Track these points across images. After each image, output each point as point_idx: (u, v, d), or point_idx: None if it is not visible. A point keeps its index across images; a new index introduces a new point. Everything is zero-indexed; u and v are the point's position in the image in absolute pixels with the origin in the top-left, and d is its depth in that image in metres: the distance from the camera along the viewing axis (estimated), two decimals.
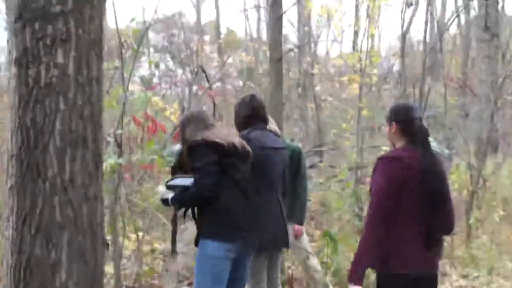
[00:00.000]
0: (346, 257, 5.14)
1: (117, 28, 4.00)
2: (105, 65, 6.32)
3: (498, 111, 9.74)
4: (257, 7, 21.81)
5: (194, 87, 13.98)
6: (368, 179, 4.57)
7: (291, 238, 4.14)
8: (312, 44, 17.59)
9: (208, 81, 9.95)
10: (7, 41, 2.51)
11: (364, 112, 9.43)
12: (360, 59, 9.09)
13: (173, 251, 3.65)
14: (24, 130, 2.46)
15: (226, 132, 3.47)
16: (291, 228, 4.27)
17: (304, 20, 17.39)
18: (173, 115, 9.61)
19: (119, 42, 4.10)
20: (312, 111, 15.69)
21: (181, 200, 3.33)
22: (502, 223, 7.17)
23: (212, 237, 3.26)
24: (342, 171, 8.61)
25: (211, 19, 27.21)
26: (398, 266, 2.74)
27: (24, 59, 2.45)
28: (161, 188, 3.44)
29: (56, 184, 2.46)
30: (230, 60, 19.75)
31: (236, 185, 3.32)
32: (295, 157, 4.34)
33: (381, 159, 2.82)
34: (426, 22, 13.76)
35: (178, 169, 3.46)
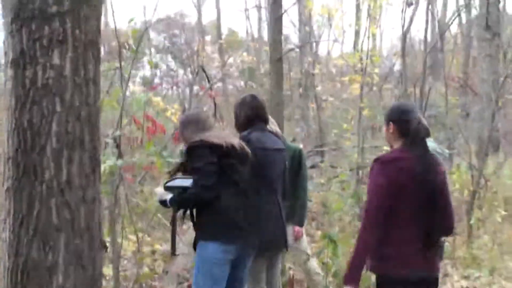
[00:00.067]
0: (346, 258, 5.12)
1: (115, 28, 3.99)
2: (106, 65, 6.31)
3: (499, 110, 9.72)
4: (258, 7, 21.82)
5: (195, 88, 13.99)
6: None
7: (290, 239, 4.12)
8: (314, 44, 17.58)
9: (208, 81, 9.94)
10: (3, 42, 2.49)
11: (365, 112, 9.40)
12: (361, 59, 9.07)
13: (173, 253, 3.63)
14: (21, 131, 2.44)
15: (225, 133, 3.46)
16: (291, 229, 4.25)
17: (305, 20, 17.37)
18: (174, 115, 9.60)
19: (118, 42, 4.08)
20: (313, 111, 15.67)
21: (180, 201, 3.32)
22: (504, 223, 7.15)
23: (211, 238, 3.24)
24: (343, 171, 8.59)
25: (213, 19, 27.19)
26: (398, 267, 2.72)
27: (20, 60, 2.44)
28: (159, 190, 3.42)
29: (53, 186, 2.45)
30: (231, 60, 19.72)
31: (236, 186, 3.31)
32: (296, 158, 4.33)
33: (376, 160, 2.80)
34: (426, 22, 13.74)
35: (182, 169, 3.45)
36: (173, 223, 3.48)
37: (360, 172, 8.09)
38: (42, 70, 2.42)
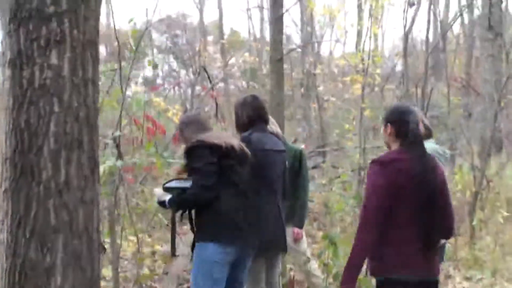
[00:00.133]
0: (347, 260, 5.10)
1: (114, 28, 3.97)
2: (108, 66, 6.31)
3: (501, 110, 9.68)
4: (260, 7, 21.80)
5: (197, 88, 13.98)
6: None
7: (290, 241, 4.10)
8: (316, 44, 17.56)
9: (210, 81, 9.92)
10: (1, 42, 2.48)
11: (367, 113, 9.38)
12: (362, 59, 9.04)
13: (173, 254, 3.61)
14: (18, 132, 2.43)
15: (224, 134, 3.46)
16: (291, 230, 4.23)
17: (307, 20, 17.35)
18: (175, 116, 9.60)
19: (117, 42, 4.06)
20: (315, 112, 15.64)
21: (179, 201, 3.30)
22: (506, 224, 7.11)
23: (211, 239, 3.23)
24: (345, 172, 8.57)
25: (215, 19, 27.16)
26: (397, 267, 2.71)
27: (18, 60, 2.42)
28: (158, 190, 3.40)
29: (50, 187, 2.43)
30: (233, 60, 19.71)
31: (235, 186, 3.30)
32: (296, 159, 4.31)
33: (374, 162, 2.79)
34: (428, 22, 13.70)
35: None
36: (173, 224, 3.47)
37: (362, 172, 8.06)
38: (39, 70, 2.40)
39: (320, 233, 7.12)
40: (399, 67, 16.78)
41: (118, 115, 4.45)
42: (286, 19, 22.20)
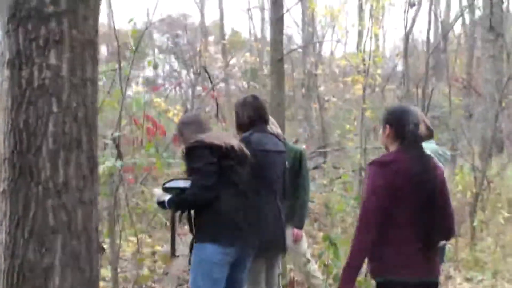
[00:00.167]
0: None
1: (114, 28, 3.96)
2: (109, 66, 6.31)
3: (503, 111, 9.66)
4: (261, 8, 21.80)
5: (198, 88, 13.98)
6: None
7: (289, 242, 4.09)
8: (317, 45, 17.54)
9: (211, 82, 9.92)
10: (0, 42, 2.47)
11: (368, 113, 9.37)
12: (363, 60, 9.03)
13: (173, 254, 3.60)
14: (17, 132, 2.42)
15: (224, 134, 3.44)
16: (290, 231, 4.22)
17: (308, 21, 17.34)
18: (176, 116, 9.59)
19: (117, 42, 4.06)
20: (316, 112, 15.63)
21: (179, 202, 3.29)
22: (507, 225, 7.10)
23: (211, 240, 3.22)
24: (346, 172, 8.56)
25: (216, 19, 27.14)
26: (397, 267, 2.70)
27: (17, 60, 2.41)
28: (158, 191, 3.39)
29: (49, 188, 2.42)
30: (234, 60, 19.70)
31: (235, 187, 3.29)
32: (296, 160, 4.30)
33: (372, 163, 2.79)
34: (429, 22, 13.68)
35: None
36: (172, 224, 3.46)
37: (363, 173, 8.05)
38: (38, 70, 2.39)
39: (321, 234, 7.11)
40: (400, 68, 16.76)
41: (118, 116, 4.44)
42: (288, 20, 22.23)
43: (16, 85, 2.41)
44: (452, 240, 5.78)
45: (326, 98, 15.20)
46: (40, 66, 2.39)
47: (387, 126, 2.85)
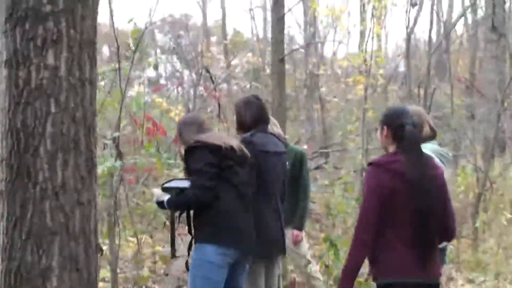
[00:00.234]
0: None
1: (113, 28, 3.95)
2: (111, 65, 6.29)
3: (505, 111, 9.62)
4: (263, 8, 21.79)
5: (200, 88, 13.96)
6: None
7: (289, 243, 4.07)
8: (319, 45, 17.52)
9: (213, 82, 9.91)
10: None
11: (370, 114, 9.34)
12: (365, 60, 9.00)
13: (174, 255, 3.57)
14: (15, 132, 2.41)
15: (224, 134, 3.43)
16: (290, 233, 4.20)
17: (310, 21, 17.32)
18: (178, 116, 9.57)
19: (117, 43, 4.04)
20: (318, 112, 15.61)
21: (178, 202, 3.28)
22: (510, 226, 7.06)
23: (210, 240, 3.20)
24: (347, 173, 8.53)
25: (218, 20, 27.12)
26: (396, 270, 2.68)
27: (14, 60, 2.40)
28: (157, 191, 3.38)
29: (47, 189, 2.41)
30: (236, 61, 19.68)
31: (234, 187, 3.27)
32: (297, 161, 4.28)
33: (370, 164, 2.78)
34: (431, 22, 13.65)
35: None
36: (172, 224, 3.44)
37: (364, 173, 8.02)
38: (36, 70, 2.38)
39: (322, 235, 7.09)
40: (402, 68, 16.73)
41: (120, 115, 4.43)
42: (290, 20, 22.22)
43: (14, 85, 2.40)
44: (454, 241, 5.74)
45: (328, 99, 15.18)
46: (38, 66, 2.38)
47: (385, 127, 2.83)
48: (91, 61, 2.55)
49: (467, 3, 16.62)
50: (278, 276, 3.89)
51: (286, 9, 6.08)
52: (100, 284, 4.46)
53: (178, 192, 3.25)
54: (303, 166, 4.34)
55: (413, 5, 9.64)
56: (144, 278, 4.76)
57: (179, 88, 20.39)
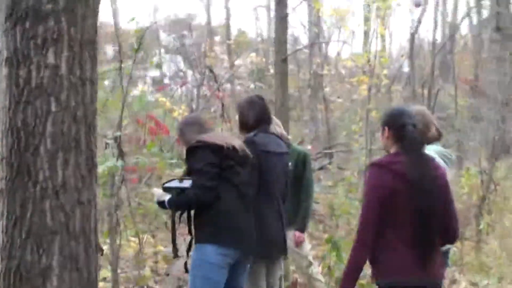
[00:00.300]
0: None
1: (115, 27, 3.94)
2: (116, 65, 6.29)
3: (509, 112, 9.58)
4: (267, 8, 21.77)
5: (203, 88, 13.95)
6: None
7: (292, 244, 4.05)
8: (323, 45, 17.48)
9: (216, 82, 9.90)
10: None
11: (373, 114, 9.32)
12: (369, 60, 8.98)
13: (175, 255, 3.56)
14: (15, 131, 2.40)
15: (225, 134, 3.42)
16: (292, 234, 4.18)
17: (314, 21, 17.29)
18: (181, 116, 9.57)
19: (118, 42, 4.03)
20: (322, 113, 15.58)
21: (179, 202, 3.27)
22: None
23: (210, 240, 3.19)
24: (350, 173, 8.51)
25: (222, 20, 27.11)
26: (396, 271, 2.66)
27: (14, 59, 2.40)
28: (158, 191, 3.37)
29: (47, 188, 2.40)
30: (240, 61, 19.67)
31: (236, 188, 3.25)
32: (300, 161, 4.27)
33: (371, 165, 2.77)
34: (435, 22, 13.61)
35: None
36: (173, 224, 3.43)
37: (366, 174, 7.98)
38: (36, 69, 2.37)
39: (326, 236, 7.07)
40: (406, 68, 16.68)
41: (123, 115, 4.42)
42: (294, 20, 22.17)
43: (14, 84, 2.39)
44: (458, 244, 5.72)
45: (332, 99, 15.15)
46: (38, 65, 2.38)
47: (386, 128, 2.82)
48: (91, 60, 2.54)
49: (472, 3, 16.55)
50: (280, 277, 3.87)
51: (289, 9, 6.07)
52: (101, 283, 4.45)
53: (179, 192, 3.24)
54: (306, 167, 4.32)
55: (417, 5, 9.60)
56: (146, 278, 4.76)
57: (183, 88, 20.38)
